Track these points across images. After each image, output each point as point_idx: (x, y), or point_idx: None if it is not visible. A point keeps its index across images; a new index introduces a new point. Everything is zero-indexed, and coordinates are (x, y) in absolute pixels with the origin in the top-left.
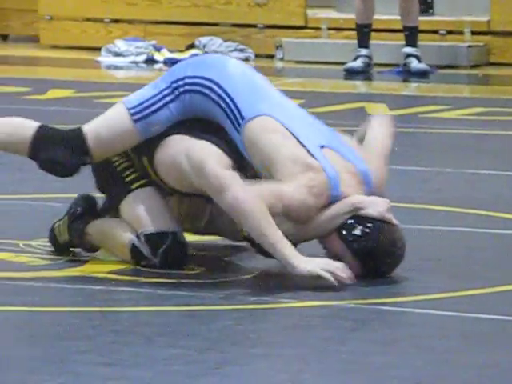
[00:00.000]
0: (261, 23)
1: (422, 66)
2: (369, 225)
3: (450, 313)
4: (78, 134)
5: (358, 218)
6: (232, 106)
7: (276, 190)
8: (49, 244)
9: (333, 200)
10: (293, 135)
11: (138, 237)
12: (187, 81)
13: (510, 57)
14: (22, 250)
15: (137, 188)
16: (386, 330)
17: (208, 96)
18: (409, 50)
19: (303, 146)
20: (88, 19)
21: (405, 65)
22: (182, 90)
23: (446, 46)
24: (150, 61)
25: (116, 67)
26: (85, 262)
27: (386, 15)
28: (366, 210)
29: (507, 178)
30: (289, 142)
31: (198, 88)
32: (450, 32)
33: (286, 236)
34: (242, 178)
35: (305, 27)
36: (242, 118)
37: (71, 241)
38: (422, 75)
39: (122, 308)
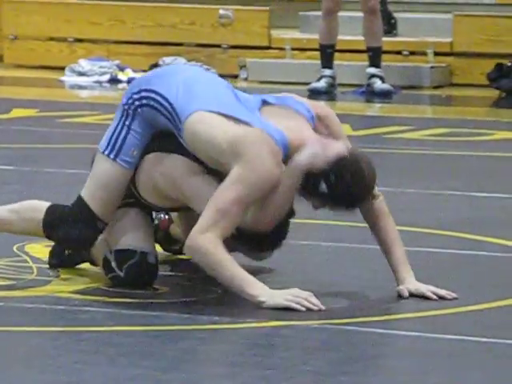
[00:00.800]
0: (225, 43)
1: (386, 86)
2: (330, 176)
3: (412, 333)
4: (81, 206)
5: (313, 175)
6: (172, 113)
7: (234, 198)
8: (13, 264)
9: (284, 154)
10: (226, 116)
11: (110, 251)
12: (135, 97)
13: (472, 78)
14: None
15: (121, 206)
16: (348, 349)
17: (153, 106)
18: (372, 70)
19: (240, 120)
20: (52, 38)
21: (368, 85)
22: (132, 107)
23: (409, 66)
24: (114, 80)
25: (80, 87)
26: (48, 281)
27: (350, 35)
28: (316, 166)
29: (470, 198)
30: (223, 125)
31: (144, 101)
32: (412, 53)
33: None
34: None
35: (269, 47)
36: (180, 121)
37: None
38: (385, 95)
39: (85, 328)
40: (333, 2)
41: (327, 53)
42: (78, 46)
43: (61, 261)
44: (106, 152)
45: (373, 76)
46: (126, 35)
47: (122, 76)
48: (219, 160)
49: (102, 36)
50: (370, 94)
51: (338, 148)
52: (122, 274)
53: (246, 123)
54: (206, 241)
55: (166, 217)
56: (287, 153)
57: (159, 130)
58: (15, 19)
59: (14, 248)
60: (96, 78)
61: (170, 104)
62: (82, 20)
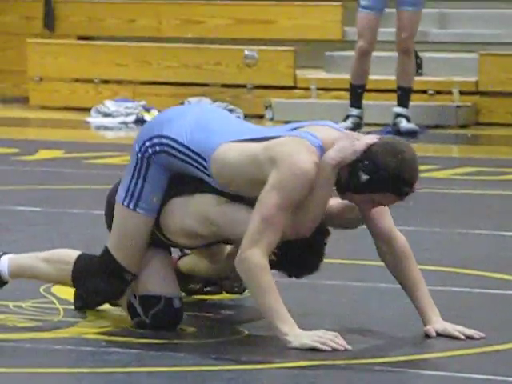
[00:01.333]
0: (250, 83)
1: (411, 125)
2: (365, 163)
3: (439, 372)
4: (108, 258)
5: (349, 168)
6: (190, 153)
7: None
8: (39, 305)
9: (319, 154)
10: (252, 140)
11: (135, 296)
12: (147, 144)
13: (498, 117)
14: (11, 311)
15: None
16: None
17: (168, 152)
18: (399, 109)
19: (267, 137)
20: (77, 80)
21: (394, 124)
22: (146, 154)
23: (434, 105)
24: (140, 121)
25: (106, 128)
26: (75, 323)
27: (377, 75)
28: (347, 160)
29: (497, 237)
30: (251, 145)
31: (158, 148)
32: (438, 92)
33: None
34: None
35: (294, 87)
36: (204, 159)
37: None
38: (411, 135)
39: (112, 369)
40: (368, 44)
41: (357, 93)
42: (104, 87)
43: (85, 303)
44: (125, 203)
45: (399, 115)
46: (151, 76)
47: (147, 117)
48: (259, 176)
49: (127, 77)
50: (396, 134)
51: (366, 138)
52: (147, 320)
53: (274, 137)
54: (254, 260)
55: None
56: (322, 153)
57: (177, 174)
58: (40, 60)
59: (41, 289)
60: (122, 118)
61: (185, 146)
62: (108, 61)
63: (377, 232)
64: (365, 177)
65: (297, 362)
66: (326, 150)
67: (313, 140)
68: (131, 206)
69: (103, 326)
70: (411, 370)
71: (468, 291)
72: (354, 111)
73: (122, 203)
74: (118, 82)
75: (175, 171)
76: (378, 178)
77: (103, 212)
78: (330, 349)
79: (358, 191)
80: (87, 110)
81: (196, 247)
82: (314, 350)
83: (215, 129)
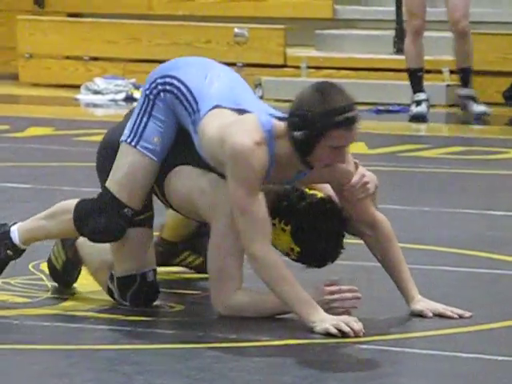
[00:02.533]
0: (240, 61)
1: (482, 108)
2: (292, 121)
3: (427, 351)
4: (106, 195)
5: (288, 140)
6: (193, 105)
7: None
8: (27, 282)
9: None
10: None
11: (111, 277)
12: (158, 81)
13: (487, 96)
14: (0, 288)
15: None
16: (363, 368)
17: (176, 95)
18: (465, 91)
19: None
20: (67, 57)
21: (464, 107)
22: (155, 91)
23: (424, 85)
24: (130, 99)
25: (95, 105)
26: (63, 300)
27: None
28: None
29: (485, 216)
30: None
31: (167, 87)
32: (428, 71)
33: None
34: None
35: (284, 66)
36: (199, 112)
37: (68, 259)
38: (481, 117)
39: (100, 346)
40: (421, 21)
41: (418, 76)
42: (94, 64)
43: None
44: (128, 140)
45: (466, 97)
46: (141, 53)
47: (137, 94)
48: (218, 157)
49: (117, 54)
50: (466, 116)
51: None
52: (126, 302)
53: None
54: (259, 256)
55: None
56: (270, 136)
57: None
58: (30, 38)
59: (30, 266)
60: (111, 96)
61: (193, 97)
62: (98, 38)
63: (360, 217)
64: (299, 133)
65: (285, 340)
66: (276, 136)
67: (265, 120)
68: (133, 143)
69: (91, 303)
70: (398, 348)
71: (456, 270)
72: (422, 95)
73: (125, 141)
74: (108, 60)
75: (177, 114)
76: (308, 124)
77: (93, 189)
78: (352, 334)
79: (308, 150)
80: (77, 87)
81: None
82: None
83: (218, 90)
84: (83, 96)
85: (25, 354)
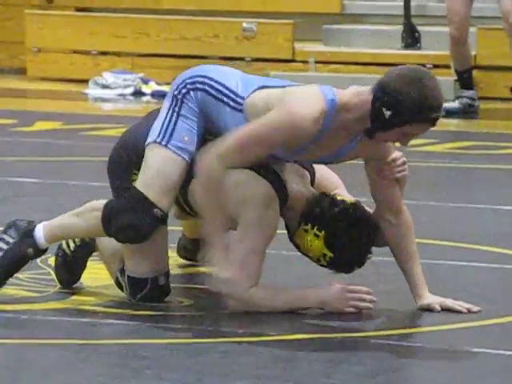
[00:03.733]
0: (248, 56)
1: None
2: (385, 99)
3: (436, 346)
4: (135, 194)
5: (372, 109)
6: (227, 92)
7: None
8: (36, 277)
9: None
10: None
11: (122, 271)
12: (187, 81)
13: (496, 91)
14: (9, 283)
15: None
16: (372, 362)
17: (207, 91)
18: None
19: None
20: (76, 51)
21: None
22: (184, 90)
23: None
24: (138, 93)
25: (103, 99)
26: (71, 294)
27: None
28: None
29: (494, 211)
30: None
31: (198, 85)
32: (436, 66)
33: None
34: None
35: (292, 60)
36: (241, 97)
37: (80, 246)
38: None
39: (109, 340)
40: (457, 30)
41: (463, 77)
42: (102, 58)
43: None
44: (158, 139)
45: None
46: (150, 48)
47: (145, 89)
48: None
49: (125, 49)
50: None
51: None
52: (134, 300)
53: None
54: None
55: None
56: (333, 107)
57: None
58: (39, 32)
59: (38, 261)
60: (120, 90)
61: (228, 88)
62: (106, 33)
63: (389, 202)
64: (388, 112)
65: (293, 335)
66: (338, 108)
67: (327, 92)
68: (163, 143)
69: (100, 297)
70: (408, 343)
71: (465, 265)
72: (466, 92)
73: (155, 141)
74: (117, 54)
75: (207, 113)
76: (401, 109)
77: (101, 184)
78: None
79: (386, 128)
80: (85, 81)
81: None
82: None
83: (256, 80)
84: (91, 90)
85: (34, 349)
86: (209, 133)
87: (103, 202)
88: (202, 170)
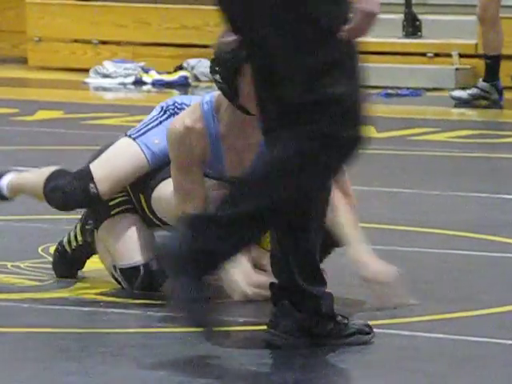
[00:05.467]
0: None
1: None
2: None
3: (438, 335)
4: (84, 168)
5: None
6: None
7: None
8: (37, 265)
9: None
10: None
11: (114, 266)
12: (176, 105)
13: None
14: (10, 272)
15: (116, 214)
16: (373, 352)
17: None
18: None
19: None
20: (76, 40)
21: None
22: (172, 111)
23: (433, 68)
24: (139, 82)
25: (104, 89)
26: (73, 283)
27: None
28: None
29: (495, 200)
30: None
31: (178, 111)
32: (437, 54)
33: None
34: None
35: None
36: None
37: (81, 245)
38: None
39: (110, 329)
40: (482, 11)
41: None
42: (103, 47)
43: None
44: (129, 133)
45: None
46: (150, 37)
47: (146, 78)
48: None
49: (126, 38)
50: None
51: None
52: (133, 290)
53: None
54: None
55: None
56: (208, 108)
57: None
58: (39, 21)
59: (39, 250)
60: (120, 79)
61: None
62: (107, 22)
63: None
64: (217, 76)
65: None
66: (217, 107)
67: (206, 96)
68: (133, 136)
69: (102, 286)
70: (408, 332)
71: (467, 254)
72: (480, 83)
73: (126, 134)
74: (117, 43)
75: None
76: (222, 63)
77: None
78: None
79: (235, 92)
80: (86, 70)
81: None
82: None
83: None
84: (92, 79)
85: (34, 338)
86: None
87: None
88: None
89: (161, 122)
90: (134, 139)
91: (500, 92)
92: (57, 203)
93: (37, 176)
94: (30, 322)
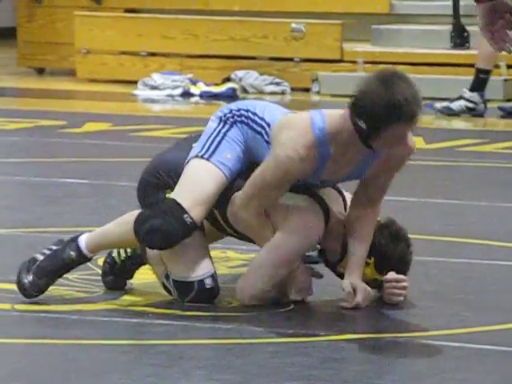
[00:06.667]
0: (297, 57)
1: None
2: (358, 111)
3: (485, 346)
4: (168, 200)
5: (352, 122)
6: (265, 125)
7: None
8: (85, 277)
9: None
10: None
11: (167, 275)
12: (234, 112)
13: None
14: (59, 283)
15: None
16: (422, 363)
17: (249, 125)
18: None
19: None
20: (124, 52)
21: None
22: (231, 120)
23: None
24: (187, 94)
25: (152, 100)
26: (121, 295)
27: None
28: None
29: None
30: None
31: (243, 119)
32: None
33: None
34: None
35: (341, 61)
36: (269, 125)
37: (130, 256)
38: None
39: (159, 341)
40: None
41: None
42: (151, 59)
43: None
44: (200, 154)
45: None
46: (198, 49)
47: (194, 90)
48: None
49: (174, 50)
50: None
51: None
52: (184, 303)
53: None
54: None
55: None
56: (322, 136)
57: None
58: (88, 33)
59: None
60: (168, 91)
61: (264, 120)
62: (155, 34)
63: (375, 189)
64: (362, 123)
65: (343, 335)
66: (331, 132)
67: (316, 120)
68: (206, 156)
69: (149, 298)
70: (457, 343)
71: (508, 265)
72: (467, 93)
73: (197, 155)
74: (165, 55)
75: (250, 146)
76: (372, 116)
77: None
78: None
79: (372, 138)
80: (134, 82)
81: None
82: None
83: (279, 110)
84: (140, 91)
85: (84, 350)
86: (251, 163)
87: (137, 211)
88: (234, 221)
89: (225, 134)
90: (207, 159)
91: None
92: (160, 244)
93: (118, 226)
94: (78, 333)
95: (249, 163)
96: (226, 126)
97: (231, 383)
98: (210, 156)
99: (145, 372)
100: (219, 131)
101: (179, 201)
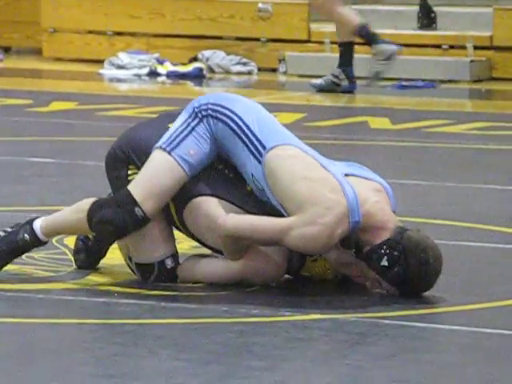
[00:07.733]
0: (264, 37)
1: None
2: (394, 253)
3: (450, 327)
4: (123, 192)
5: (376, 243)
6: (251, 137)
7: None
8: (51, 256)
9: (352, 226)
10: (315, 160)
11: (130, 258)
12: (210, 106)
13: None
14: (24, 262)
15: None
16: (386, 343)
17: (228, 125)
18: None
19: (327, 170)
20: (91, 32)
21: None
22: (204, 113)
23: (448, 60)
24: (153, 74)
25: (119, 80)
26: (87, 274)
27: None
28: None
29: (509, 192)
30: (310, 167)
31: (220, 116)
32: (452, 47)
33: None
34: None
35: (308, 41)
36: (264, 147)
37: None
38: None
39: (124, 320)
40: None
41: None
42: (117, 39)
43: (87, 258)
44: (163, 146)
45: None
46: (165, 28)
47: (161, 69)
48: (288, 210)
49: (141, 29)
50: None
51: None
52: (148, 283)
53: (328, 171)
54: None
55: None
56: (355, 214)
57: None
58: (54, 12)
59: (53, 241)
60: (135, 71)
61: (252, 132)
62: (122, 13)
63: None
64: (385, 263)
65: (308, 315)
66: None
67: (354, 212)
68: (167, 149)
69: (115, 277)
70: (422, 323)
71: (480, 246)
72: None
73: (160, 147)
74: (132, 34)
75: (223, 143)
76: (395, 272)
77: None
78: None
79: (369, 266)
80: (101, 61)
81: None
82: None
83: (277, 129)
84: (107, 71)
85: (49, 329)
86: (219, 161)
87: (92, 199)
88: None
89: (193, 129)
90: (168, 152)
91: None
92: (109, 236)
93: (73, 212)
94: (43, 312)
95: (220, 159)
96: (196, 120)
97: (197, 362)
98: (173, 149)
99: (111, 351)
100: (188, 124)
101: (134, 192)
